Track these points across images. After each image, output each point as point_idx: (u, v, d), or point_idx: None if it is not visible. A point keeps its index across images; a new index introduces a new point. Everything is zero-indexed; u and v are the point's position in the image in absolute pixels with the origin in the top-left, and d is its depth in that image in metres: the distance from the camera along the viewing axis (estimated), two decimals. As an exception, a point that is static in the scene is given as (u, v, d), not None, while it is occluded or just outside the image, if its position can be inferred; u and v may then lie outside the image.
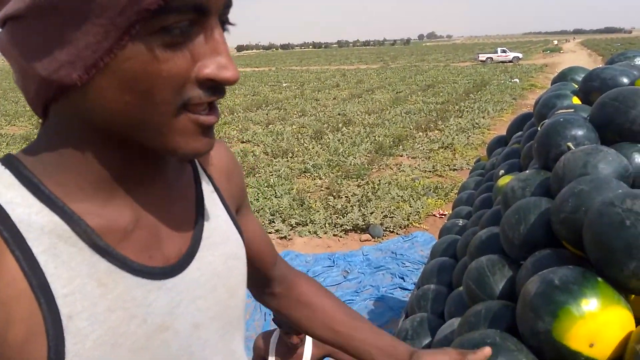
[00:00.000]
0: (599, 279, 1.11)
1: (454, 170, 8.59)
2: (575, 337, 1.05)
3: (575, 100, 2.41)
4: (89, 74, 0.46)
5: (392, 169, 8.95)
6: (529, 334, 1.13)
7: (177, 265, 0.61)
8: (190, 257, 0.63)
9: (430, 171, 8.65)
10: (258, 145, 11.28)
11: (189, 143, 0.52)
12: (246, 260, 0.75)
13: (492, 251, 1.69)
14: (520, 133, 3.02)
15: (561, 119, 1.79)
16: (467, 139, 10.39)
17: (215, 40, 0.49)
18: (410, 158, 9.60)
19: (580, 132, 1.73)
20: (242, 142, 11.78)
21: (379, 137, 11.05)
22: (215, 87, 0.50)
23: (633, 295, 1.21)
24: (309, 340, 2.40)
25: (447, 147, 9.96)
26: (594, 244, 1.15)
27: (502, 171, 2.58)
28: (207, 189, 0.70)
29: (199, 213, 0.67)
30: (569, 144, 1.71)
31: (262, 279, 0.93)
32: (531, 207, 1.55)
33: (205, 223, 0.67)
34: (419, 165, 8.98)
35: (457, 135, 10.70)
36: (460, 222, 2.59)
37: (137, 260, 0.56)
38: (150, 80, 0.46)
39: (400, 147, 10.18)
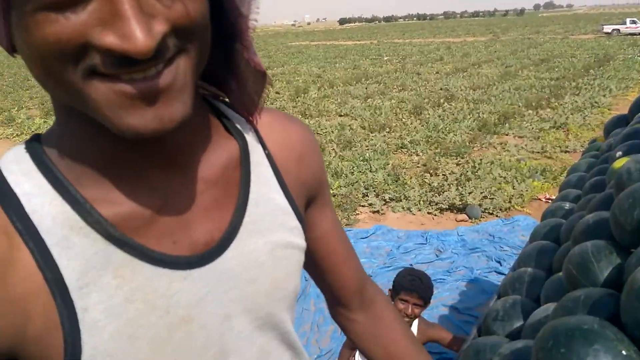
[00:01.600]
0: None
1: (566, 152, 7.94)
2: (688, 333, 0.96)
3: None
4: (13, 50, 0.44)
5: (495, 148, 8.49)
6: (633, 324, 1.05)
7: (207, 254, 0.56)
8: (225, 244, 0.58)
9: (538, 152, 8.07)
10: (356, 119, 11.30)
11: (122, 117, 0.43)
12: (304, 253, 0.69)
13: (599, 237, 1.57)
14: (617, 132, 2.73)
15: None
16: (584, 119, 9.50)
17: (115, 2, 0.39)
18: (516, 137, 9.02)
19: None
20: (340, 116, 11.88)
21: (483, 114, 10.50)
22: (124, 57, 0.40)
23: None
24: (414, 325, 2.40)
25: (560, 127, 9.19)
26: None
27: (619, 153, 2.36)
28: (262, 170, 0.64)
29: (244, 197, 0.61)
30: None
31: (336, 296, 0.85)
32: (649, 191, 1.41)
33: (250, 208, 0.61)
34: (526, 145, 8.41)
35: (572, 114, 9.82)
36: (567, 205, 2.41)
37: (158, 249, 0.53)
38: (40, 48, 0.40)
39: (507, 125, 9.59)
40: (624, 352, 1.01)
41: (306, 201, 0.72)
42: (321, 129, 10.61)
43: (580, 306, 1.25)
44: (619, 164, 2.18)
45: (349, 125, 10.71)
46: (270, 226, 0.62)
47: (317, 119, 11.64)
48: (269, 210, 0.63)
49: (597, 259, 1.44)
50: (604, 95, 11.33)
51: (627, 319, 1.09)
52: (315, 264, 0.82)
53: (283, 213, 0.64)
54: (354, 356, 2.51)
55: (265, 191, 0.63)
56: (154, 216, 0.53)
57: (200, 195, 0.57)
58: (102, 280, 0.49)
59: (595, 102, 10.67)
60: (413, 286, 2.29)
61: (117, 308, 0.50)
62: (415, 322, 2.39)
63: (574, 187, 2.70)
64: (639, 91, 11.71)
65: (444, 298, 4.73)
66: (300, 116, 12.13)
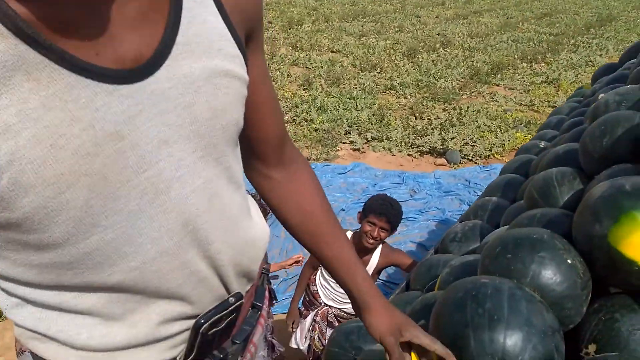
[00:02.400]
0: (680, 191, 0.98)
1: (554, 107, 7.87)
2: (633, 245, 0.96)
3: None
4: None
5: (484, 98, 8.41)
6: (582, 237, 1.05)
7: (137, 70, 0.52)
8: (156, 63, 0.54)
9: (526, 105, 8.03)
10: (347, 57, 11.01)
11: None
12: (246, 87, 0.65)
13: (566, 165, 1.56)
14: (634, 60, 2.66)
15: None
16: (576, 76, 9.41)
17: None
18: (507, 89, 8.93)
19: None
20: (332, 52, 11.55)
21: (477, 62, 10.31)
22: None
23: None
24: (378, 249, 2.41)
25: (552, 82, 9.11)
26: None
27: (601, 95, 2.32)
28: None
29: (176, 14, 0.56)
30: (690, 56, 1.46)
31: (256, 151, 0.82)
32: (621, 119, 1.38)
33: (183, 27, 0.56)
34: (515, 97, 8.35)
35: (565, 71, 9.72)
36: (542, 144, 2.40)
37: (79, 55, 0.48)
38: None
39: (499, 76, 9.46)
40: (569, 261, 1.01)
41: (245, 35, 0.67)
42: (311, 63, 10.33)
43: (535, 223, 1.25)
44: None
45: (340, 62, 10.44)
46: (207, 50, 0.58)
47: (308, 52, 11.31)
48: (205, 32, 0.58)
49: (560, 183, 1.43)
50: (600, 55, 11.18)
51: (577, 233, 1.08)
52: None
53: (221, 38, 0.60)
54: (316, 275, 2.54)
55: (201, 11, 0.58)
56: (73, 21, 0.47)
57: (125, 5, 0.51)
58: (13, 81, 0.45)
59: (591, 61, 10.54)
60: (382, 210, 2.28)
61: (33, 113, 0.46)
62: (380, 247, 2.42)
63: (553, 128, 2.68)
64: (635, 54, 11.57)
65: (413, 235, 4.82)
66: (291, 48, 11.76)
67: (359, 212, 2.48)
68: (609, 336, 0.95)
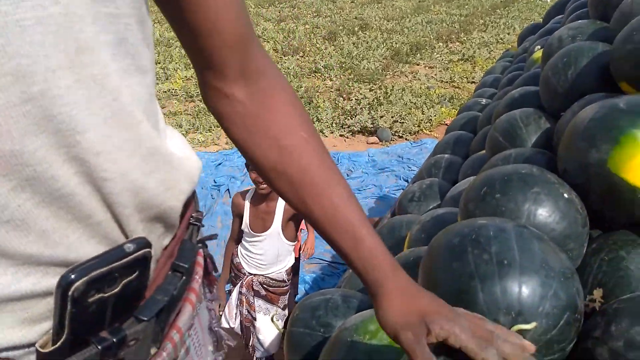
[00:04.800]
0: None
1: (472, 82, 8.16)
2: (636, 169, 0.83)
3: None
4: None
5: (407, 77, 8.52)
6: (575, 168, 0.91)
7: None
8: None
9: (447, 82, 8.24)
10: (268, 42, 10.73)
11: None
12: None
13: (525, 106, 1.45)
14: (561, 16, 2.66)
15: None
16: (489, 52, 9.81)
17: None
18: (427, 67, 9.12)
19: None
20: (252, 38, 11.24)
21: (396, 44, 10.44)
22: None
23: None
24: None
25: (468, 59, 9.42)
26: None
27: (537, 47, 2.28)
28: None
29: None
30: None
31: (206, 57, 0.57)
32: (585, 50, 1.28)
33: None
34: (436, 75, 8.54)
35: (478, 48, 10.10)
36: (484, 101, 2.33)
37: None
38: None
39: (418, 55, 9.65)
40: (565, 195, 0.87)
41: None
42: (231, 50, 9.98)
43: (512, 163, 1.11)
44: (537, 54, 2.10)
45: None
46: None
47: (226, 39, 10.92)
48: None
49: (526, 123, 1.31)
50: (508, 33, 11.76)
51: (568, 165, 0.95)
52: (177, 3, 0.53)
53: None
54: (237, 249, 2.45)
55: None
56: None
57: None
58: None
59: (500, 39, 11.05)
60: None
61: None
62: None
63: (490, 86, 2.63)
64: (539, 31, 12.30)
65: (352, 215, 4.72)
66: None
67: (246, 163, 2.55)
68: (616, 277, 0.83)
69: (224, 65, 0.57)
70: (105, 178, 0.42)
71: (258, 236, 2.34)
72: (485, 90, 2.50)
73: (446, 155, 1.81)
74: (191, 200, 0.59)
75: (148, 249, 0.45)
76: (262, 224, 2.34)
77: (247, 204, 2.38)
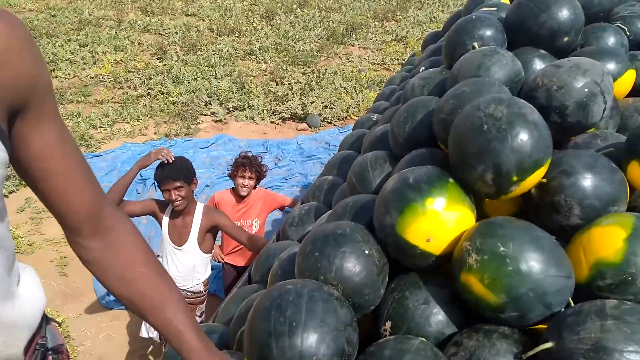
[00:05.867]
0: (450, 180, 1.13)
1: (403, 64, 8.45)
2: (415, 232, 1.09)
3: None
4: None
5: (340, 59, 8.69)
6: (378, 227, 1.16)
7: None
8: None
9: (379, 64, 8.49)
10: (203, 20, 10.52)
11: None
12: (5, 166, 0.61)
13: (383, 147, 1.69)
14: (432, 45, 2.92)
15: (473, 17, 1.71)
16: (422, 33, 10.11)
17: None
18: (361, 48, 9.32)
19: (488, 32, 1.67)
20: (187, 15, 10.94)
21: (333, 23, 10.54)
22: None
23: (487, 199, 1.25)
24: (199, 210, 2.46)
25: (401, 40, 9.70)
26: (453, 145, 1.15)
27: (422, 68, 2.51)
28: None
29: None
30: (475, 43, 1.65)
31: (65, 222, 0.77)
32: (420, 105, 1.53)
33: None
34: (368, 56, 8.76)
35: (412, 28, 10.38)
36: (375, 117, 2.57)
37: None
38: None
39: (354, 36, 9.81)
40: (366, 252, 1.12)
41: (9, 110, 0.62)
42: (164, 29, 9.69)
43: (348, 212, 1.35)
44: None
45: (196, 27, 9.94)
46: None
47: (159, 17, 10.57)
48: None
49: (373, 167, 1.56)
50: (442, 12, 12.12)
51: (375, 222, 1.20)
52: (34, 185, 0.72)
53: None
54: (190, 210, 2.53)
55: None
56: None
57: None
58: None
59: (434, 17, 11.38)
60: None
61: None
62: (201, 207, 2.51)
63: (386, 99, 2.88)
64: (470, 11, 12.74)
65: (279, 204, 4.95)
66: (140, 13, 10.88)
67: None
68: (400, 313, 1.09)
69: (79, 229, 0.77)
70: None
71: (176, 248, 2.47)
72: (380, 104, 2.74)
73: (329, 177, 2.04)
74: (37, 333, 0.76)
75: None
76: (178, 238, 2.47)
77: (165, 219, 2.50)
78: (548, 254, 0.96)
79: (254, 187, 3.09)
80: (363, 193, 1.55)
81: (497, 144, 1.05)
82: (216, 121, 6.45)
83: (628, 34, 1.87)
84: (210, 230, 2.51)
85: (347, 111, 6.59)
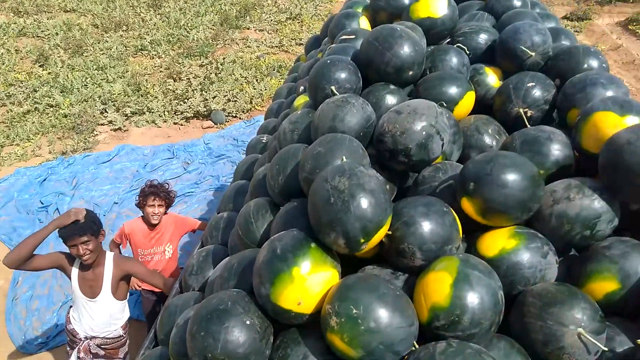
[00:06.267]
0: (312, 244, 1.28)
1: (300, 45, 8.52)
2: (287, 298, 1.24)
3: (365, 18, 2.47)
4: None
5: (238, 44, 8.58)
6: (257, 295, 1.30)
7: None
8: None
9: (276, 46, 8.48)
10: (85, 16, 9.84)
11: None
12: None
13: (266, 192, 1.81)
14: (327, 39, 3.04)
15: (328, 61, 1.85)
16: (315, 8, 10.19)
17: None
18: (257, 31, 9.23)
19: (343, 75, 1.82)
20: (66, 12, 10.15)
21: (225, 5, 10.29)
22: None
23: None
24: (109, 260, 2.47)
25: (295, 18, 9.71)
26: (311, 213, 1.30)
27: (301, 87, 2.62)
28: None
29: None
30: (332, 87, 1.80)
31: None
32: (289, 158, 1.66)
33: None
34: (265, 39, 8.71)
35: (305, 4, 10.40)
36: (265, 138, 2.66)
37: None
38: None
39: (248, 18, 9.67)
40: (247, 322, 1.26)
41: None
42: (42, 31, 8.95)
43: (232, 276, 1.47)
44: (298, 102, 2.44)
45: (78, 24, 9.28)
46: None
47: (35, 17, 9.71)
48: None
49: (256, 218, 1.68)
50: (333, -18, 12.19)
51: (254, 291, 1.33)
52: None
53: None
54: (70, 314, 2.56)
55: None
56: None
57: None
58: None
59: (325, -9, 11.44)
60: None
61: None
62: (111, 256, 2.52)
63: (276, 114, 2.98)
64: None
65: (194, 211, 4.93)
66: (12, 14, 9.92)
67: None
68: (286, 368, 1.26)
69: None
70: None
71: (89, 301, 2.45)
72: (269, 122, 2.84)
73: (225, 215, 2.13)
74: None
75: None
76: (90, 290, 2.45)
77: (74, 270, 2.45)
78: (393, 307, 1.15)
79: (165, 213, 3.14)
80: (249, 244, 1.67)
81: (342, 215, 1.21)
82: (115, 130, 6.20)
83: (468, 52, 2.10)
84: (123, 278, 2.52)
85: (251, 102, 6.60)
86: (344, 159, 1.41)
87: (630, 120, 1.45)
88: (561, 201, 1.40)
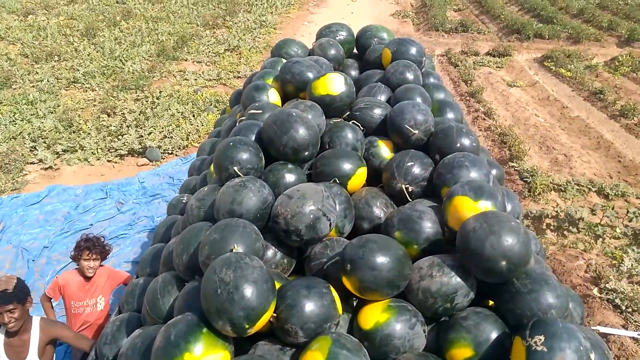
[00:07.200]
0: (204, 330, 1.44)
1: (238, 78, 8.69)
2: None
3: (274, 89, 2.68)
4: None
5: (175, 77, 8.62)
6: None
7: None
8: None
9: (214, 79, 8.60)
10: (14, 45, 9.56)
11: None
12: None
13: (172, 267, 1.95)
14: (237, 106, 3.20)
15: (231, 143, 2.04)
16: (254, 39, 10.41)
17: None
18: (195, 62, 9.32)
19: (245, 156, 2.01)
20: (-7, 40, 9.83)
21: (162, 35, 10.32)
22: None
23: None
24: (35, 325, 2.51)
25: (234, 49, 9.89)
26: (203, 300, 1.46)
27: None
28: None
29: None
30: (235, 168, 1.98)
31: None
32: (192, 238, 1.82)
33: None
34: (203, 72, 8.81)
35: (244, 35, 10.61)
36: (185, 198, 2.79)
37: None
38: None
39: (185, 49, 9.74)
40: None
41: None
42: (-34, 61, 8.64)
43: (137, 354, 1.61)
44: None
45: (6, 54, 9.01)
46: None
47: (-42, 45, 9.35)
48: None
49: (162, 294, 1.82)
50: (271, 13, 12.52)
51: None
52: None
53: None
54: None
55: None
56: None
57: None
58: None
59: (264, 21, 11.73)
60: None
61: None
62: (38, 322, 2.55)
63: (197, 171, 3.12)
64: (299, 8, 13.35)
65: (127, 254, 4.92)
66: None
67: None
68: None
69: None
70: None
71: None
72: (192, 180, 2.97)
73: (140, 281, 2.24)
74: None
75: None
76: (17, 356, 2.46)
77: (0, 336, 2.46)
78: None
79: (100, 266, 3.23)
80: (156, 320, 1.81)
81: (228, 305, 1.39)
82: (46, 169, 6.08)
83: (362, 128, 2.35)
84: (50, 342, 2.55)
85: (188, 138, 6.66)
86: (235, 247, 1.59)
87: (482, 204, 1.72)
88: (425, 278, 1.64)
